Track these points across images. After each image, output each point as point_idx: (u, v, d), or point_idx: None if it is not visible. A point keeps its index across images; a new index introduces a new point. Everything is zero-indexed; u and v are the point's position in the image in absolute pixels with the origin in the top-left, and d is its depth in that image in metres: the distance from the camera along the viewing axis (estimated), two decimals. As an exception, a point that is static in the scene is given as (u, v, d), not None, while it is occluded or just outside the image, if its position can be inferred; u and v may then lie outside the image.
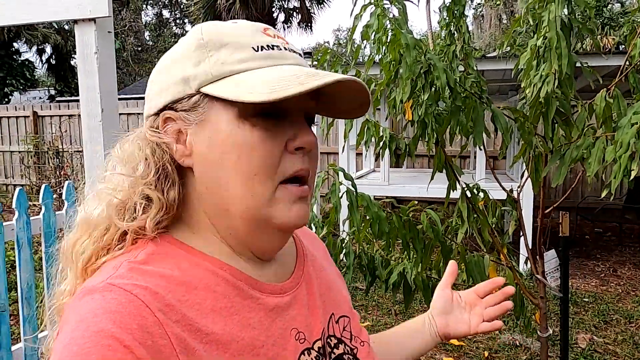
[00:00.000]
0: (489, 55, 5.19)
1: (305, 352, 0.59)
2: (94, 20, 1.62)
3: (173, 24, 29.15)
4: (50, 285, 0.60)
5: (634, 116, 1.11)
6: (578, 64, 1.51)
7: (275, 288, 0.60)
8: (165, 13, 29.43)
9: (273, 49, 0.56)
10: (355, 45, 1.82)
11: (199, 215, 0.59)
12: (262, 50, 0.56)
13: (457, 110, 1.52)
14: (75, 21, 1.65)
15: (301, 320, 0.61)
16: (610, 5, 9.10)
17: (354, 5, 1.68)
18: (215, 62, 0.55)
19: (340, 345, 0.65)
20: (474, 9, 19.92)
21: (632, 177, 1.09)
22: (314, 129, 0.61)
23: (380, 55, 1.68)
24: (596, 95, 1.53)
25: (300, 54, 0.60)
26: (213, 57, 0.55)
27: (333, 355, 0.63)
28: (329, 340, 0.64)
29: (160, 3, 29.13)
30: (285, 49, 0.58)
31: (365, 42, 1.71)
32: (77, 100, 11.00)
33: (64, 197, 2.49)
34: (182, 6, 26.12)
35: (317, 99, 0.59)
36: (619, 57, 3.90)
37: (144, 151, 0.57)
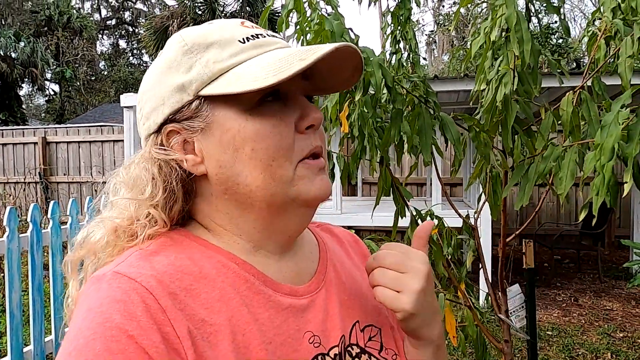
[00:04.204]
0: (442, 76, 5.07)
1: (319, 357, 0.57)
2: None
3: (130, 54, 28.63)
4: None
5: (621, 112, 0.84)
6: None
7: (292, 290, 0.58)
8: (122, 43, 28.93)
9: (258, 37, 0.56)
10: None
11: (217, 219, 0.58)
12: (248, 41, 0.56)
13: (398, 116, 1.22)
14: None
15: (317, 324, 0.58)
16: (557, 34, 9.40)
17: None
18: (207, 62, 0.55)
19: (363, 355, 0.61)
20: (426, 35, 20.39)
21: (625, 193, 0.80)
22: None
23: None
24: (562, 100, 1.28)
25: (282, 39, 0.59)
26: (203, 59, 0.55)
27: None
28: (349, 348, 0.60)
29: (116, 33, 28.63)
30: (268, 35, 0.58)
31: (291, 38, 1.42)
32: (18, 129, 10.32)
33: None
34: (139, 36, 25.69)
35: (309, 78, 0.58)
36: (574, 79, 3.78)
37: (150, 172, 0.57)
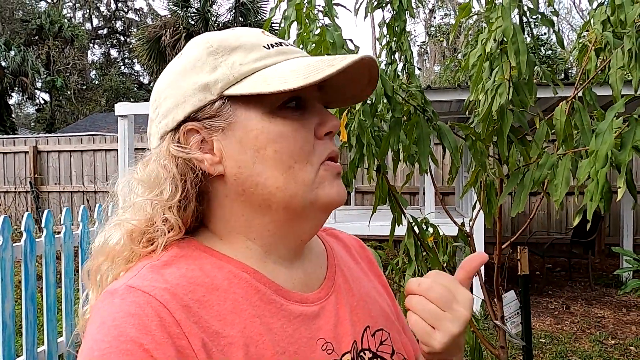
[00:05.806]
0: (434, 86, 5.12)
1: None
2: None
3: (121, 64, 28.56)
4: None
5: (614, 121, 0.87)
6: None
7: (302, 297, 0.59)
8: (114, 52, 28.88)
9: (281, 45, 0.58)
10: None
11: (231, 221, 0.58)
12: (272, 47, 0.57)
13: (397, 125, 1.25)
14: None
15: (328, 331, 0.59)
16: (546, 46, 9.60)
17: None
18: (233, 64, 0.56)
19: (376, 359, 0.62)
20: (418, 46, 20.59)
21: (619, 198, 0.83)
22: None
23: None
24: (555, 109, 1.32)
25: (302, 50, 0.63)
26: (229, 60, 0.56)
27: None
28: (362, 354, 0.61)
29: (108, 42, 28.58)
30: (290, 45, 0.60)
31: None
32: (9, 138, 10.25)
33: None
34: (130, 46, 25.65)
35: (326, 90, 0.60)
36: (564, 89, 3.85)
37: (170, 171, 0.56)
